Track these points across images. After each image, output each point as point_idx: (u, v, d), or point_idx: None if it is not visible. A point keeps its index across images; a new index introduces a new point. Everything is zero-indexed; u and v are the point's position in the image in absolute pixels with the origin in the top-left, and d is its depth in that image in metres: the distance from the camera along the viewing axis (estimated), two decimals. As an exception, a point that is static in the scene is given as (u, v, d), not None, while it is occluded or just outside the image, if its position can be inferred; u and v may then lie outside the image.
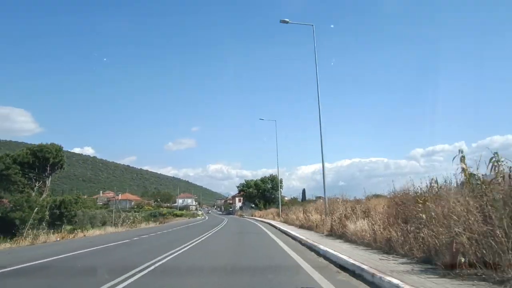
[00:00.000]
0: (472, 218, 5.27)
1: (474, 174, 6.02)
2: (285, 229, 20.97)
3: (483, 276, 4.86)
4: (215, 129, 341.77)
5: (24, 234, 20.22)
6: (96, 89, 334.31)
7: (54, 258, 11.33)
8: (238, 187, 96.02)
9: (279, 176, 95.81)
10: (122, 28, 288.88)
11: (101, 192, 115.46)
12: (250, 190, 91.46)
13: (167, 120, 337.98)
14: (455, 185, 7.16)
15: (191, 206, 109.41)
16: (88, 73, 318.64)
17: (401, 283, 4.87)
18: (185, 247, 12.63)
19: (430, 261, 6.18)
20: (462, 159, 6.16)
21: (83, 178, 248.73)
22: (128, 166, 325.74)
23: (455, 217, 5.60)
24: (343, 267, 7.10)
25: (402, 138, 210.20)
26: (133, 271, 7.18)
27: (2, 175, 43.43)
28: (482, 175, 5.94)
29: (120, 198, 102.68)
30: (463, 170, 6.17)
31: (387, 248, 8.21)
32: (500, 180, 5.40)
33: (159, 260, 8.98)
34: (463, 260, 5.08)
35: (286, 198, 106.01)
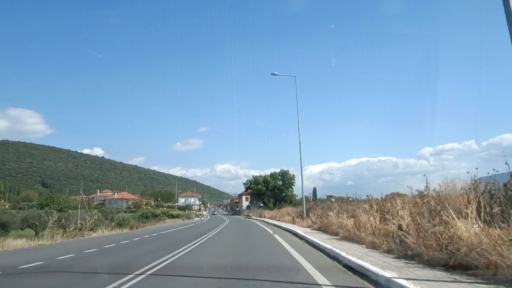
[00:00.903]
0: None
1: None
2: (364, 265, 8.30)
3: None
4: (223, 129, 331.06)
5: None
6: (106, 90, 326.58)
7: None
8: (244, 184, 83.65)
9: (292, 172, 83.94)
10: (130, 28, 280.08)
11: (98, 191, 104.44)
12: (259, 187, 78.98)
13: (175, 121, 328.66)
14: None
15: (194, 206, 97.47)
16: (98, 74, 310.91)
17: None
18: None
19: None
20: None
21: (91, 178, 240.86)
22: (136, 166, 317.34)
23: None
24: None
25: (411, 137, 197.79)
26: None
27: None
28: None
29: (115, 197, 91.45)
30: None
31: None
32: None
33: None
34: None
35: (297, 197, 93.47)
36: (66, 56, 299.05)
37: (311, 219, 18.79)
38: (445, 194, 7.63)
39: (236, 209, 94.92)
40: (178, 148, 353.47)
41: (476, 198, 6.59)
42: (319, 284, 5.41)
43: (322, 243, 10.39)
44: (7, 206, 70.56)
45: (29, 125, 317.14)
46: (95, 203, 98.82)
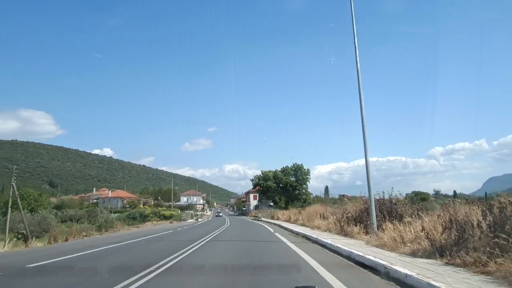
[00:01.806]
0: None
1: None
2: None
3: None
4: (232, 129, 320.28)
5: None
6: (116, 92, 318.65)
7: None
8: (252, 180, 72.30)
9: (305, 166, 72.18)
10: (137, 28, 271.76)
11: (94, 189, 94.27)
12: (268, 183, 67.51)
13: (184, 121, 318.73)
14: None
15: (197, 205, 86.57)
16: (109, 75, 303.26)
17: None
18: None
19: None
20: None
21: (99, 178, 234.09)
22: (144, 166, 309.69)
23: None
24: None
25: (421, 136, 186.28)
26: None
27: None
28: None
29: (110, 195, 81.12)
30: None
31: None
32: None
33: None
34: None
35: (311, 196, 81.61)
36: (76, 56, 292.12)
37: (401, 235, 7.41)
38: None
39: (243, 208, 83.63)
40: (187, 148, 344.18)
41: None
42: None
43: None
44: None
45: (40, 126, 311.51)
46: (91, 201, 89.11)
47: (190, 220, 39.02)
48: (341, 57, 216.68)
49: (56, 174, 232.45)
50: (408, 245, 7.28)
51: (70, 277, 6.84)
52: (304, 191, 69.48)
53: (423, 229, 6.96)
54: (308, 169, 69.26)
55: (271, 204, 71.31)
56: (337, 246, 8.85)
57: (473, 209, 6.33)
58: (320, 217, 17.79)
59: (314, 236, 12.52)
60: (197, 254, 9.57)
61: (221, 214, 59.62)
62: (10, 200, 21.42)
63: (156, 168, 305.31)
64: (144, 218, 45.00)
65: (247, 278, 6.03)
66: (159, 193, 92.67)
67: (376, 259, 6.31)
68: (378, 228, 9.30)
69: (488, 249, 4.93)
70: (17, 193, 21.05)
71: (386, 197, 11.08)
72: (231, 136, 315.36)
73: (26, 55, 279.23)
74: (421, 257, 6.47)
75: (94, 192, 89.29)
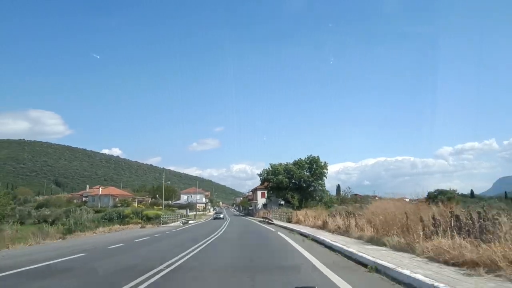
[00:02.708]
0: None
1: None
2: None
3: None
4: (239, 129, 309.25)
5: None
6: (125, 93, 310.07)
7: None
8: (260, 175, 60.89)
9: (322, 159, 61.00)
10: (139, 28, 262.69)
11: (87, 186, 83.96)
12: (279, 178, 55.89)
13: (191, 121, 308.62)
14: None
15: (198, 204, 75.64)
16: (116, 76, 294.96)
17: None
18: None
19: None
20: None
21: (105, 177, 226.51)
22: (151, 165, 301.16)
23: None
24: None
25: (429, 136, 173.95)
26: None
27: None
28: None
29: (100, 193, 70.66)
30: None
31: None
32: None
33: None
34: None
35: (329, 194, 69.83)
36: (85, 57, 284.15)
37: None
38: None
39: (249, 208, 72.33)
40: (195, 148, 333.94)
41: None
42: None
43: None
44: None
45: (49, 126, 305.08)
46: (82, 199, 79.18)
47: (174, 224, 27.78)
48: (340, 57, 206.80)
49: (63, 174, 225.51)
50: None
51: None
52: (320, 187, 57.87)
53: None
54: (325, 162, 57.61)
55: (282, 203, 59.91)
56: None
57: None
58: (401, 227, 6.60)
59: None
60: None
61: (221, 216, 45.49)
62: None
63: (163, 168, 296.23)
64: (122, 219, 34.30)
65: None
66: (158, 190, 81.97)
67: None
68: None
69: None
70: None
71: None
72: (238, 136, 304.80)
73: (37, 55, 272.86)
74: None
75: (87, 189, 78.95)
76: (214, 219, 42.99)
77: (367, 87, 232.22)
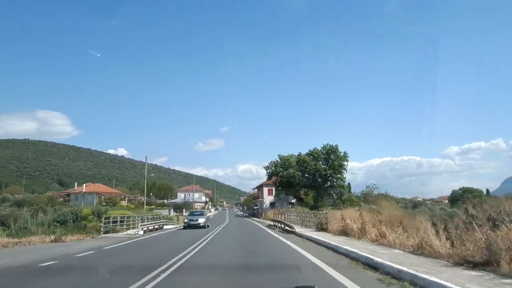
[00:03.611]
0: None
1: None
2: None
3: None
4: (243, 129, 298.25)
5: None
6: (131, 93, 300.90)
7: None
8: (267, 168, 49.95)
9: (341, 148, 49.15)
10: (141, 28, 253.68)
11: (76, 184, 73.92)
12: (290, 172, 44.87)
13: (197, 122, 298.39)
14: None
15: (196, 203, 65.18)
16: (124, 77, 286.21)
17: None
18: None
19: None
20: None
21: (109, 177, 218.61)
22: (155, 165, 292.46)
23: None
24: None
25: (431, 136, 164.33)
26: None
27: None
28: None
29: (84, 190, 60.71)
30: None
31: None
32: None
33: None
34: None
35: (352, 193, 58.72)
36: (93, 57, 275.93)
37: None
38: None
39: (254, 207, 61.56)
40: (200, 148, 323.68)
41: None
42: None
43: None
44: None
45: (57, 127, 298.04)
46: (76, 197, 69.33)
47: (129, 232, 16.89)
48: (340, 57, 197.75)
49: (66, 173, 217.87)
50: None
51: None
52: (340, 183, 46.90)
53: None
54: (345, 153, 46.63)
55: (292, 201, 49.20)
56: None
57: None
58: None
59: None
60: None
61: (199, 222, 21.95)
62: None
63: (168, 168, 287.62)
64: (79, 221, 24.06)
65: None
66: (152, 188, 71.89)
67: None
68: None
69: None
70: None
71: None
72: (244, 136, 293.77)
73: (42, 55, 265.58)
74: None
75: (76, 187, 68.98)
76: (186, 227, 22.40)
77: (368, 87, 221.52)
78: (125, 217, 19.34)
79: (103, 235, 15.65)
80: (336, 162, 45.70)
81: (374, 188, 50.48)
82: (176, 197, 69.52)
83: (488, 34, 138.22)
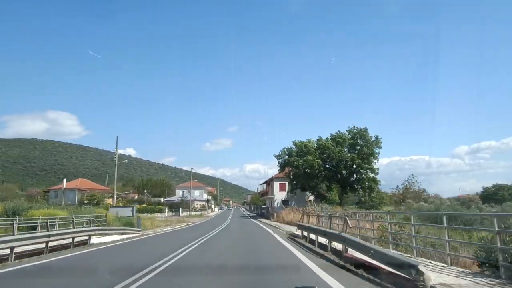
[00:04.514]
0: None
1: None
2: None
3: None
4: (252, 129, 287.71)
5: None
6: (140, 94, 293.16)
7: None
8: (278, 157, 39.38)
9: (370, 132, 37.84)
10: (161, 28, 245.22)
11: (64, 180, 64.26)
12: (309, 159, 34.75)
13: (204, 122, 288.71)
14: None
15: (196, 202, 55.32)
16: (131, 77, 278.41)
17: None
18: None
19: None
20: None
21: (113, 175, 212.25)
22: (162, 164, 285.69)
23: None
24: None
25: (445, 135, 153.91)
26: None
27: None
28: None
29: (64, 186, 51.42)
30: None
31: None
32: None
33: None
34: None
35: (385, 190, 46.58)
36: (97, 57, 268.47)
37: None
38: None
39: (263, 206, 51.26)
40: (208, 148, 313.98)
41: None
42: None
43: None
44: None
45: (67, 127, 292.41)
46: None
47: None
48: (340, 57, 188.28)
49: (73, 172, 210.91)
50: None
51: None
52: (370, 175, 36.25)
53: None
54: (378, 137, 36.02)
55: (310, 198, 38.89)
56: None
57: None
58: None
59: None
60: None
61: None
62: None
63: (175, 167, 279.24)
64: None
65: None
66: (147, 185, 62.26)
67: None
68: None
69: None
70: None
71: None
72: (251, 136, 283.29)
73: (46, 54, 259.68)
74: None
75: (64, 183, 59.45)
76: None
77: (371, 86, 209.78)
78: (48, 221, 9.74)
79: None
80: (365, 149, 35.15)
81: (414, 182, 39.76)
82: (174, 195, 59.75)
83: (498, 25, 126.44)
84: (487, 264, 5.28)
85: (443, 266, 6.08)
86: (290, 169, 37.23)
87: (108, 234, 12.55)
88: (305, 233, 11.78)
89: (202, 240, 12.78)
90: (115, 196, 28.65)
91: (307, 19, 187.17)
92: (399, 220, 10.46)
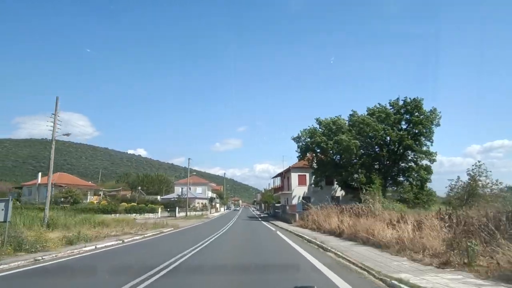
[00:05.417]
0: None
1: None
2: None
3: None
4: (262, 129, 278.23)
5: None
6: (148, 94, 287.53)
7: None
8: (297, 139, 29.52)
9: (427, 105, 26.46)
10: (169, 29, 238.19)
11: (39, 174, 52.85)
12: (343, 138, 24.80)
13: (214, 122, 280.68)
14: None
15: (197, 200, 46.09)
16: (139, 78, 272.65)
17: None
18: None
19: None
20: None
21: (123, 175, 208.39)
22: (172, 164, 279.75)
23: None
24: None
25: (458, 133, 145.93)
26: None
27: None
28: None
29: (39, 182, 42.84)
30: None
31: None
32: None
33: None
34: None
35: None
36: (104, 57, 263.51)
37: None
38: None
39: (277, 204, 40.85)
40: (218, 148, 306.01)
41: None
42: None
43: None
44: None
45: (78, 128, 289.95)
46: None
47: None
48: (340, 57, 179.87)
49: (82, 172, 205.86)
50: None
51: None
52: (421, 163, 26.14)
53: None
54: (435, 110, 25.95)
55: (337, 194, 29.00)
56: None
57: None
58: None
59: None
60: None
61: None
62: None
63: (185, 167, 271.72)
64: None
65: None
66: (144, 181, 53.33)
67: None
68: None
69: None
70: None
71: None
72: (261, 136, 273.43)
73: (54, 54, 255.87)
74: None
75: (40, 179, 48.99)
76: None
77: (377, 86, 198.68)
78: None
79: None
80: (420, 127, 25.02)
81: (482, 172, 28.89)
82: (174, 192, 50.65)
83: (498, 25, 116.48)
84: None
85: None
86: (312, 155, 27.34)
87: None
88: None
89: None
90: (49, 187, 19.13)
91: (307, 19, 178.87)
92: None
